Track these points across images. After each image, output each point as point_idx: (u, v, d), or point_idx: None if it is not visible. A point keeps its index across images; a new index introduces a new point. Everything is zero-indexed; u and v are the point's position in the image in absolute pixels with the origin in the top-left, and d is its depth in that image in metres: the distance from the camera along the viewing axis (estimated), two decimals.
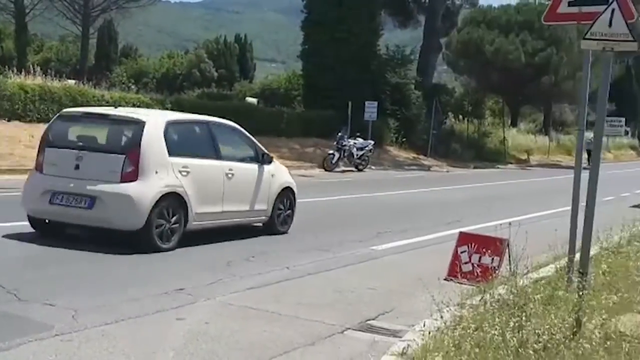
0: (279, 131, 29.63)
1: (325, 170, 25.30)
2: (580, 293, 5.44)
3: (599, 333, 5.24)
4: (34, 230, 9.24)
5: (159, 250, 8.65)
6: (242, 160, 10.55)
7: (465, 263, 8.35)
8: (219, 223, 9.86)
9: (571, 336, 5.20)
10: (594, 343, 4.97)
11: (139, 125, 8.92)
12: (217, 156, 9.87)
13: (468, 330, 5.24)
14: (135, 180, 8.62)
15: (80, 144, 9.13)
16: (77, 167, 8.81)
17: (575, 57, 49.58)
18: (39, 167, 9.20)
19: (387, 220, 13.36)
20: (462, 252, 8.41)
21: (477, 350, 4.76)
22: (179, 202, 8.96)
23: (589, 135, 38.89)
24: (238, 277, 7.72)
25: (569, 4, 6.80)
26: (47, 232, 9.19)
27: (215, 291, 7.05)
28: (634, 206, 20.67)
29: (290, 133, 30.10)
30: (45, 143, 9.26)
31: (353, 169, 26.74)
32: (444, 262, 8.92)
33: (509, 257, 8.34)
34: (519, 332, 5.00)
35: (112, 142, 9.12)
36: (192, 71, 59.15)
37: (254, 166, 10.63)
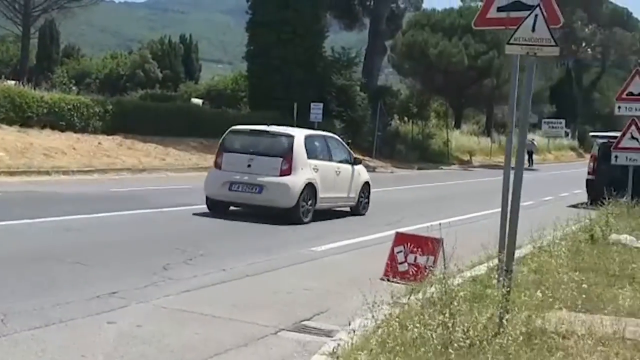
0: (223, 132, 29.34)
1: None
2: (504, 290, 5.56)
3: (523, 329, 5.38)
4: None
5: (301, 222, 12.67)
6: (342, 162, 14.74)
7: (401, 263, 8.46)
8: (329, 205, 14.09)
9: (496, 333, 5.33)
10: (516, 339, 5.09)
11: (290, 138, 13.28)
12: (331, 159, 14.27)
13: (396, 329, 5.31)
14: (289, 175, 12.78)
15: (251, 150, 13.27)
16: (249, 165, 12.99)
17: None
18: (217, 166, 13.61)
19: (327, 223, 13.42)
20: (398, 252, 8.52)
21: (402, 348, 4.84)
22: (313, 189, 13.15)
23: (530, 136, 40.52)
24: (174, 280, 7.68)
25: (498, 9, 6.94)
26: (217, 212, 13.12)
27: (149, 294, 7.01)
28: (572, 206, 21.19)
29: None
30: (223, 149, 13.68)
31: None
32: (382, 262, 9.02)
33: (444, 256, 8.48)
34: (444, 329, 5.10)
35: (272, 149, 13.24)
36: (136, 72, 58.40)
37: (349, 166, 14.85)
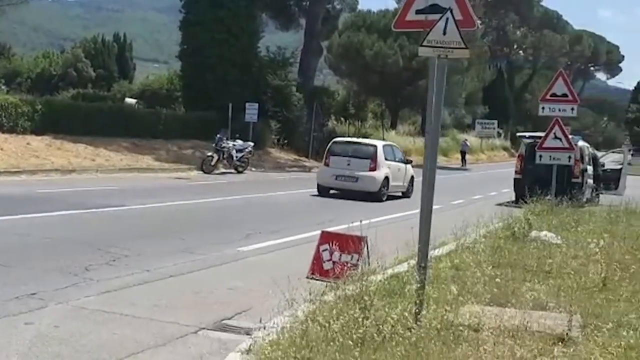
0: (156, 132, 29.20)
1: (204, 172, 25.15)
2: (418, 286, 5.70)
3: (435, 323, 5.53)
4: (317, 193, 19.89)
5: (381, 201, 19.31)
6: (400, 162, 21.47)
7: (327, 261, 8.56)
8: (394, 190, 20.64)
9: (409, 327, 5.46)
10: (428, 332, 5.24)
11: (375, 147, 20.44)
12: (395, 160, 21.03)
13: (309, 325, 5.40)
14: (375, 171, 19.58)
15: (349, 154, 19.97)
16: (348, 164, 19.62)
17: (449, 62, 51.48)
18: (326, 164, 20.33)
19: (260, 222, 13.46)
20: (323, 251, 8.62)
21: (315, 344, 4.93)
22: (387, 180, 19.92)
23: (463, 136, 41.56)
24: (95, 281, 7.62)
25: (416, 12, 7.07)
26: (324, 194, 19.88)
27: (69, 295, 6.94)
28: (499, 204, 21.68)
29: (168, 134, 29.70)
30: (330, 153, 20.22)
31: (232, 170, 26.70)
32: (308, 261, 9.12)
33: (368, 254, 8.62)
34: (358, 324, 5.21)
35: (363, 153, 19.93)
36: (68, 71, 57.33)
37: (404, 165, 21.59)
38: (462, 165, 48.75)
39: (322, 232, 8.89)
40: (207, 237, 11.13)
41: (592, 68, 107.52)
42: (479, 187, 28.59)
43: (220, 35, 32.77)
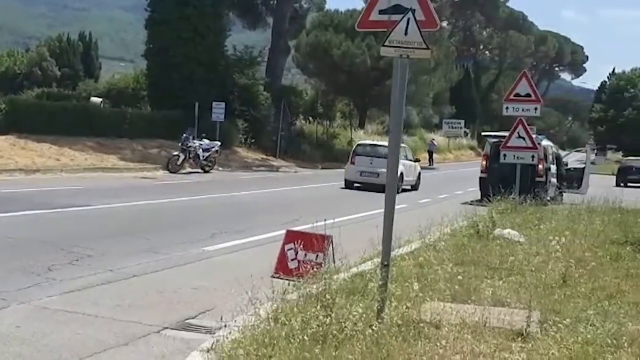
0: (122, 132, 28.99)
1: (170, 172, 25.02)
2: (381, 283, 5.76)
3: (398, 320, 5.59)
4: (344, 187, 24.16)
5: (397, 192, 17.15)
6: (411, 160, 25.51)
7: (292, 260, 8.59)
8: (406, 185, 24.46)
9: (371, 324, 5.52)
10: (390, 330, 5.30)
11: None
12: (407, 159, 24.56)
13: (275, 324, 5.43)
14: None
15: (372, 155, 24.13)
16: (371, 163, 23.63)
17: (417, 62, 51.82)
18: (352, 163, 24.60)
19: (226, 221, 13.45)
20: (288, 250, 8.65)
21: (277, 342, 4.96)
22: (402, 176, 22.94)
23: (431, 136, 42.92)
24: (58, 281, 7.56)
25: (380, 12, 7.13)
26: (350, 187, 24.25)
27: (31, 295, 6.89)
28: (465, 203, 21.88)
29: (134, 134, 29.49)
30: (355, 154, 24.67)
31: (199, 170, 26.60)
32: (273, 261, 9.14)
33: (333, 253, 8.67)
34: (320, 322, 5.25)
35: (383, 154, 21.71)
36: (33, 70, 56.64)
37: (413, 163, 25.91)
38: (430, 165, 49.05)
39: (288, 231, 8.92)
40: (172, 237, 11.09)
41: (557, 69, 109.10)
42: (445, 186, 28.84)
43: (187, 34, 32.64)
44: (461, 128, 64.83)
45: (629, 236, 11.88)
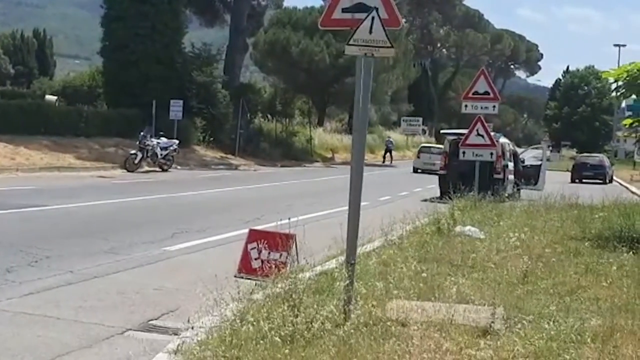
0: (78, 130, 28.54)
1: (128, 170, 24.73)
2: (347, 282, 5.75)
3: (367, 319, 5.60)
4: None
5: None
6: None
7: (255, 259, 8.53)
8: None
9: (338, 324, 5.51)
10: (358, 328, 5.29)
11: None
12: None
13: (242, 324, 5.38)
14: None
15: (430, 152, 39.56)
16: (429, 157, 37.72)
17: (376, 60, 51.97)
18: (418, 157, 41.17)
19: (186, 221, 13.31)
20: (251, 249, 8.59)
21: (243, 342, 4.92)
22: None
23: (389, 134, 42.63)
24: (17, 283, 7.40)
25: (343, 10, 7.10)
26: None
27: None
28: (425, 200, 22.04)
29: (90, 132, 29.08)
30: (420, 151, 41.64)
31: (157, 169, 26.35)
32: (236, 260, 9.07)
33: (296, 252, 8.64)
34: (287, 322, 5.22)
35: (439, 151, 30.20)
36: None
37: None
38: (389, 163, 49.26)
39: (250, 230, 8.87)
40: (131, 237, 10.93)
41: (512, 66, 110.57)
42: (405, 183, 29.01)
43: (143, 31, 32.32)
44: (419, 125, 65.33)
45: (586, 232, 12.09)
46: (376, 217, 15.10)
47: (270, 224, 13.18)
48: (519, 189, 22.74)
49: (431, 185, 27.63)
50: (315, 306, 5.70)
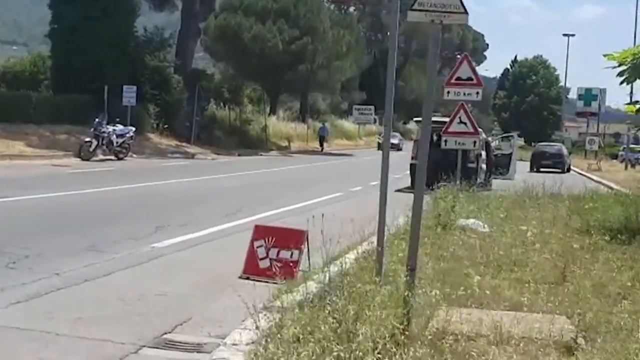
0: (26, 117, 27.03)
1: (82, 159, 23.46)
2: (407, 292, 4.94)
3: (429, 334, 4.82)
4: None
5: None
6: None
7: (263, 259, 7.67)
8: None
9: (398, 342, 4.72)
10: (425, 346, 4.52)
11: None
12: None
13: (293, 342, 4.54)
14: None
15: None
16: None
17: (329, 47, 51.14)
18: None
19: (164, 213, 12.34)
20: (258, 247, 7.72)
21: None
22: None
23: (340, 122, 41.46)
24: None
25: None
26: None
27: None
28: (398, 190, 21.39)
29: (40, 119, 27.59)
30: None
31: (113, 157, 25.11)
32: (235, 258, 8.22)
33: (308, 249, 7.82)
34: (347, 338, 4.41)
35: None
36: None
37: None
38: (321, 150, 48.08)
39: (256, 226, 7.99)
40: (111, 232, 9.92)
41: (459, 56, 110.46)
42: (372, 173, 28.22)
43: (94, 13, 30.89)
44: (371, 114, 64.79)
45: (590, 224, 11.53)
46: (362, 209, 14.36)
47: (255, 216, 12.37)
48: (490, 179, 22.28)
49: (397, 175, 27.04)
50: (374, 318, 4.87)
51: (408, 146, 63.55)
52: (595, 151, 49.44)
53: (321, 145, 48.91)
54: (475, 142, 16.86)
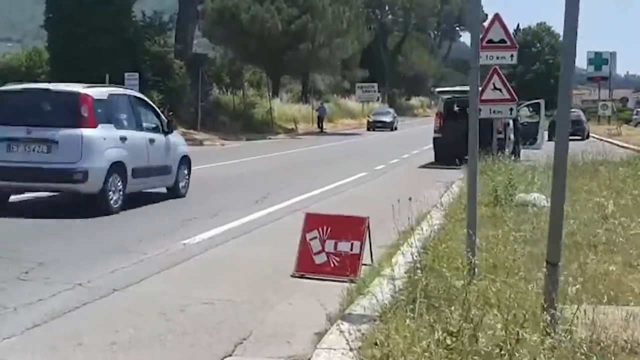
0: None
1: None
2: (549, 292, 3.78)
3: (572, 343, 3.67)
4: None
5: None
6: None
7: (318, 253, 6.53)
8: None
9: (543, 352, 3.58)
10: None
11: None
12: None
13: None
14: None
15: None
16: None
17: (329, 24, 49.76)
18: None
19: (186, 204, 11.20)
20: (312, 240, 6.57)
21: None
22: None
23: (343, 102, 39.38)
24: (11, 310, 5.23)
25: None
26: None
27: None
28: (422, 167, 20.29)
29: None
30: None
31: None
32: (281, 252, 7.15)
33: (369, 240, 6.68)
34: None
35: None
36: None
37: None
38: (320, 130, 46.71)
39: (308, 214, 6.83)
40: (133, 228, 8.79)
41: (458, 28, 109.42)
42: (387, 151, 27.10)
43: None
44: (375, 92, 63.50)
45: None
46: (393, 188, 13.21)
47: (284, 204, 11.23)
48: (519, 149, 21.12)
49: (415, 151, 25.96)
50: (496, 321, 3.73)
51: (412, 123, 62.65)
52: (609, 116, 48.16)
53: (320, 125, 47.53)
54: (511, 110, 15.65)
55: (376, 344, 3.88)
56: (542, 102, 22.73)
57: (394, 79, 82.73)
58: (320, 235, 6.56)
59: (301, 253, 6.55)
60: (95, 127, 9.88)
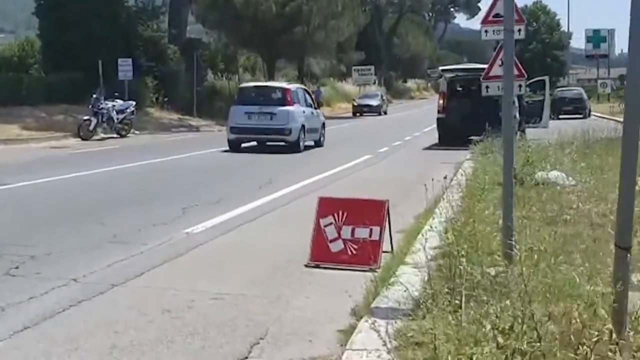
0: (19, 99, 25.26)
1: (82, 139, 21.69)
2: (619, 284, 3.26)
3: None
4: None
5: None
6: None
7: (334, 240, 6.02)
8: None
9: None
10: None
11: None
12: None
13: None
14: None
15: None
16: None
17: (324, 6, 49.03)
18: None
19: (186, 191, 10.66)
20: (326, 226, 6.06)
21: None
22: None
23: (339, 85, 39.07)
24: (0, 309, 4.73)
25: None
26: None
27: None
28: (426, 148, 19.79)
29: (34, 101, 25.82)
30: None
31: (115, 135, 23.34)
32: (292, 240, 6.68)
33: (389, 226, 6.16)
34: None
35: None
36: None
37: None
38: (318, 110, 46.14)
39: (321, 199, 6.30)
40: (132, 217, 8.25)
41: (452, 9, 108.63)
42: (388, 133, 26.58)
43: None
44: (371, 74, 62.78)
45: None
46: (402, 170, 12.69)
47: (288, 189, 10.73)
48: (524, 128, 20.59)
49: (417, 133, 25.47)
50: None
51: (407, 106, 62.05)
52: (608, 94, 47.61)
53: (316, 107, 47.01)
54: (520, 86, 15.13)
55: (417, 344, 3.38)
56: (546, 79, 22.15)
57: (391, 61, 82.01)
58: (335, 221, 6.05)
59: (315, 241, 6.04)
60: (293, 105, 18.26)
